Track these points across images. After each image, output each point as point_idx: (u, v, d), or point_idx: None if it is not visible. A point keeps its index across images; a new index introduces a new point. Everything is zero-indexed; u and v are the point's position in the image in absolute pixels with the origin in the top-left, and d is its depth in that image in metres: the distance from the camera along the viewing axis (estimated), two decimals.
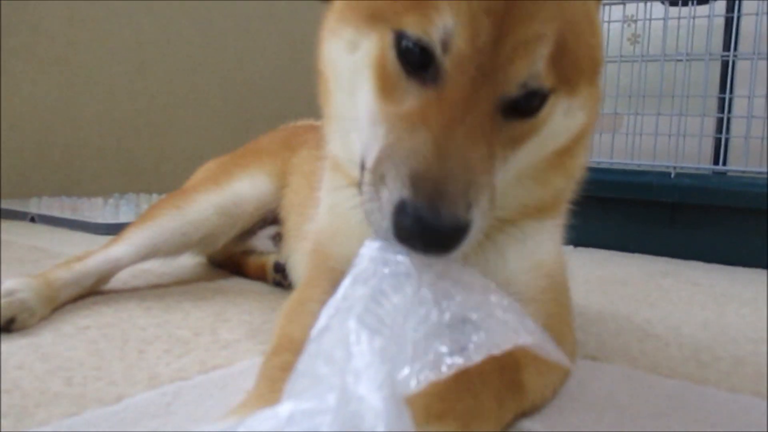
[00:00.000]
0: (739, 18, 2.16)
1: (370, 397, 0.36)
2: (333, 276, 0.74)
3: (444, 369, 0.42)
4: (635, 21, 2.36)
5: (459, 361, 0.42)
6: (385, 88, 0.59)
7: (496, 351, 0.45)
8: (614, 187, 1.95)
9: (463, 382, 0.56)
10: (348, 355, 0.39)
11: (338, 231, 0.77)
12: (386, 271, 0.47)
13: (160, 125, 2.83)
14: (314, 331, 0.44)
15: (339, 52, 0.66)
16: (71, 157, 2.52)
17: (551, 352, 0.51)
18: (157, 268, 1.34)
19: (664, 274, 1.64)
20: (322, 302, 0.70)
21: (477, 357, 0.44)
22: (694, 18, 2.08)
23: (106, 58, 2.63)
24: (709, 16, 2.03)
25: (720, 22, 2.16)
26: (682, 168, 1.94)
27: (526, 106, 0.60)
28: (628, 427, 0.69)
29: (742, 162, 1.95)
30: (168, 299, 1.12)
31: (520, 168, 0.66)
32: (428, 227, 0.50)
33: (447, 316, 0.45)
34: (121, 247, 1.15)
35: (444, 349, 0.42)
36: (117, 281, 1.19)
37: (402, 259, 0.48)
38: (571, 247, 1.96)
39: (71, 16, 2.51)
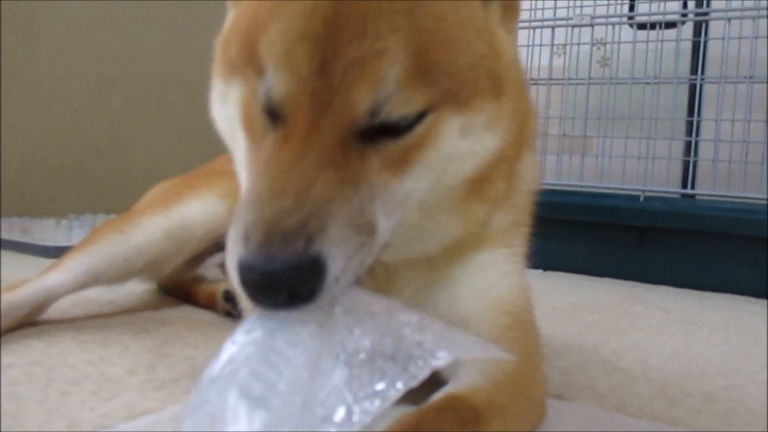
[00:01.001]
0: (705, 42, 2.17)
1: None
2: None
3: (356, 419, 0.36)
4: (604, 44, 2.36)
5: (372, 406, 0.36)
6: (253, 133, 0.58)
7: (414, 383, 0.39)
8: (583, 210, 1.93)
9: None
10: None
11: None
12: (274, 324, 0.41)
13: (122, 144, 2.74)
14: (191, 397, 0.37)
15: (216, 106, 0.66)
16: (25, 176, 2.42)
17: (486, 353, 0.45)
18: (101, 296, 1.26)
19: (633, 300, 1.60)
20: None
21: (394, 394, 0.38)
22: (662, 42, 2.08)
23: (65, 74, 2.55)
24: (676, 40, 2.03)
25: (688, 46, 2.16)
26: (651, 191, 1.92)
27: (397, 125, 0.55)
28: None
29: (710, 186, 1.94)
30: (107, 332, 1.04)
31: (422, 197, 0.60)
32: (264, 274, 0.45)
33: (356, 357, 0.39)
34: (57, 275, 1.07)
35: (351, 398, 0.36)
36: (55, 311, 1.11)
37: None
38: (540, 271, 1.92)
39: (29, 30, 2.43)
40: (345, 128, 0.53)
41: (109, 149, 2.69)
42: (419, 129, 0.55)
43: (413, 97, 0.53)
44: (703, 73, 2.07)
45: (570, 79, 2.21)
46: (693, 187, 2.01)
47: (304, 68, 0.52)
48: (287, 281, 0.45)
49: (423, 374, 0.39)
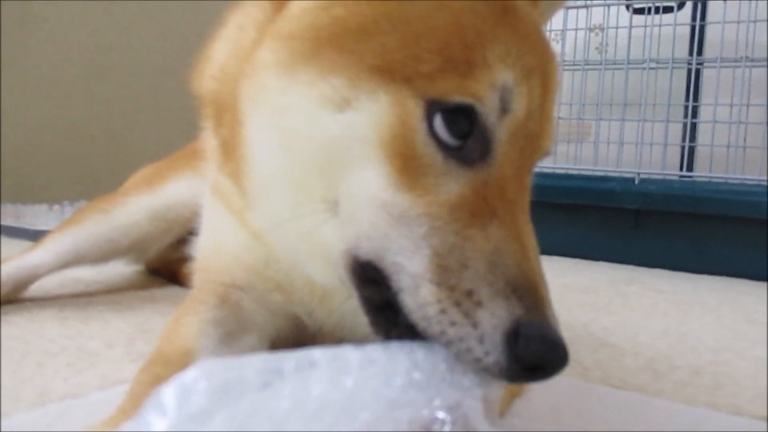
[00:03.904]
0: (703, 27, 2.15)
1: None
2: (213, 289, 0.66)
3: None
4: (602, 29, 2.34)
5: None
6: (409, 172, 0.46)
7: None
8: (578, 194, 1.91)
9: None
10: None
11: (217, 250, 0.70)
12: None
13: (117, 131, 2.73)
14: None
15: (307, 104, 0.49)
16: (20, 164, 2.41)
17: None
18: (86, 276, 1.25)
19: (627, 281, 1.59)
20: (200, 317, 0.62)
21: None
22: (660, 26, 2.06)
23: (60, 61, 2.53)
24: (673, 24, 2.01)
25: (685, 31, 2.14)
26: (646, 174, 1.90)
27: None
28: None
29: (707, 170, 1.92)
30: (89, 309, 1.03)
31: None
32: (554, 347, 0.42)
33: None
34: (39, 254, 1.06)
35: None
36: (40, 290, 1.10)
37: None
38: None
39: (24, 17, 2.42)
40: (530, 172, 0.50)
41: (104, 137, 2.68)
42: None
43: None
44: (699, 55, 2.05)
45: (564, 62, 2.19)
46: (690, 170, 1.99)
47: (535, 101, 0.48)
48: (566, 354, 0.44)
49: None
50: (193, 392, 0.33)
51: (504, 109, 0.47)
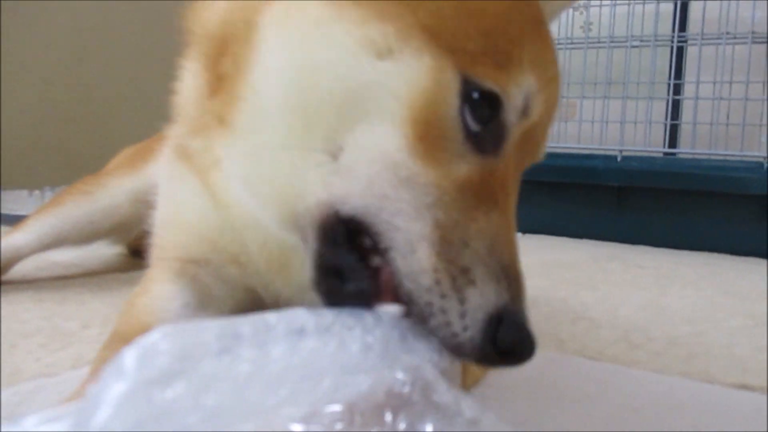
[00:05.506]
0: (686, 4, 2.15)
1: None
2: (168, 265, 0.64)
3: None
4: (586, 7, 2.33)
5: None
6: (428, 141, 0.46)
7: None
8: (562, 172, 1.91)
9: None
10: None
11: (172, 224, 0.67)
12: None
13: (98, 117, 2.70)
14: None
15: (347, 42, 0.48)
16: (1, 149, 2.38)
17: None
18: (66, 259, 1.25)
19: (609, 258, 1.60)
20: (156, 294, 0.62)
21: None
22: (643, 4, 2.05)
23: (40, 45, 2.50)
24: (656, 1, 2.01)
25: (669, 8, 2.13)
26: (628, 151, 1.91)
27: None
28: (542, 412, 0.63)
29: (690, 146, 1.93)
30: (66, 291, 1.03)
31: None
32: (529, 338, 0.44)
33: None
34: (21, 236, 1.05)
35: None
36: (16, 273, 1.09)
37: None
38: (519, 234, 1.91)
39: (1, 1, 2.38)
40: (521, 175, 0.52)
41: (86, 123, 2.65)
42: None
43: None
44: (683, 31, 2.05)
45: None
46: (672, 147, 2.00)
47: (548, 109, 0.51)
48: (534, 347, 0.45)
49: None
50: (155, 354, 0.33)
51: (525, 109, 0.49)
